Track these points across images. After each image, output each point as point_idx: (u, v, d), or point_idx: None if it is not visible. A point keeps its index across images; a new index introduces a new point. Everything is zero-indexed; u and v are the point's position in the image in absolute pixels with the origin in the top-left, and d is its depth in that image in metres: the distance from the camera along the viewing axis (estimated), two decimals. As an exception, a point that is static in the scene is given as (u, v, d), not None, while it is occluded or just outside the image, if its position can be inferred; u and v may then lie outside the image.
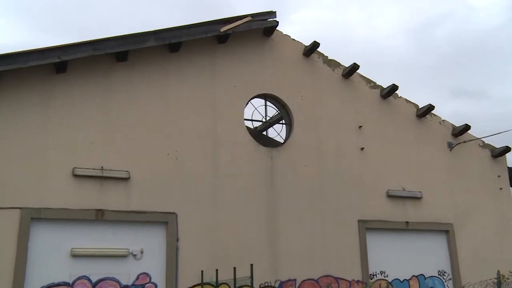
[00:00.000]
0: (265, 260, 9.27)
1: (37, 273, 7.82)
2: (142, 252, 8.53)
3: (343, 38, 32.77)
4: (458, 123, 11.95)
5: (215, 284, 8.29)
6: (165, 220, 8.73)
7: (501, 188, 11.95)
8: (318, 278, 9.62)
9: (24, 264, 7.72)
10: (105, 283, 8.19)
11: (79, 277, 8.05)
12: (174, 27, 9.16)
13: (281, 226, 9.60)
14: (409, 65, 32.55)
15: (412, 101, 11.81)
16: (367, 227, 10.35)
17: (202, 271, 8.64)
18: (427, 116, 11.79)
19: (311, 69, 10.84)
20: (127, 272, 8.36)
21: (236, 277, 7.80)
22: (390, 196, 10.78)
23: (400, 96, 11.69)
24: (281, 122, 10.71)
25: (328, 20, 34.16)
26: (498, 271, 8.38)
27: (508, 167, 12.23)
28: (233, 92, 9.88)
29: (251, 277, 7.47)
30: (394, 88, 11.32)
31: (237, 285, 7.87)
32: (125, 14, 32.48)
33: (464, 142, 11.85)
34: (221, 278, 8.29)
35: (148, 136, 8.93)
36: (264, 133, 11.31)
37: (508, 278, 8.34)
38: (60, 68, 8.51)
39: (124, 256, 8.41)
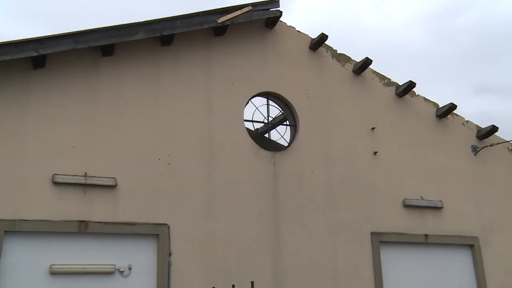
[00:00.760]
0: (268, 277, 9.24)
1: (11, 294, 7.72)
2: (130, 269, 8.48)
3: (351, 28, 32.75)
4: (484, 124, 12.01)
5: (211, 304, 8.22)
6: (156, 233, 8.67)
7: (532, 197, 11.91)
8: (327, 298, 9.61)
9: (-5, 283, 7.63)
10: (88, 303, 8.11)
11: (59, 297, 7.95)
12: (166, 18, 9.14)
13: (285, 239, 9.57)
14: (427, 59, 32.46)
15: (431, 99, 11.82)
16: (381, 240, 10.32)
17: (197, 289, 8.61)
18: (449, 116, 11.81)
19: (319, 64, 10.86)
20: (113, 291, 8.29)
21: (236, 296, 7.70)
22: (407, 206, 10.76)
23: (418, 94, 11.71)
24: (285, 123, 10.72)
25: (335, 9, 34.10)
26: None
27: (540, 173, 12.19)
28: (231, 90, 9.87)
29: (252, 296, 7.38)
30: (411, 85, 11.31)
31: (236, 305, 7.79)
32: (116, 8, 32.49)
33: (491, 145, 11.83)
34: (219, 298, 8.22)
35: (137, 139, 8.90)
36: (266, 135, 11.31)
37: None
38: (38, 63, 8.46)
39: (110, 273, 8.34)
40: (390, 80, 11.49)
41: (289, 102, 10.39)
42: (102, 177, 8.46)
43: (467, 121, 12.03)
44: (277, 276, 9.33)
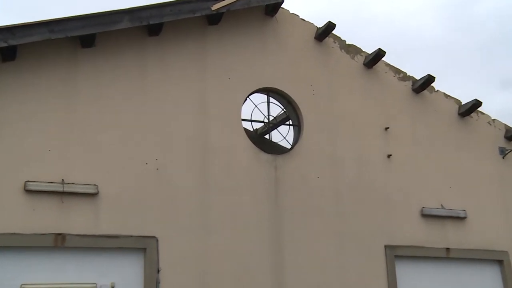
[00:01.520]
0: (269, 297, 9.23)
1: (-25, 319, 7.70)
2: (113, 287, 8.44)
3: (359, 16, 32.67)
4: (513, 122, 11.98)
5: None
6: (143, 246, 8.66)
7: None
8: (336, 319, 9.60)
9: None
10: (65, 327, 8.07)
11: (32, 321, 7.91)
12: (154, 5, 9.11)
13: (288, 253, 9.56)
14: (445, 50, 32.44)
15: (452, 95, 11.80)
16: (396, 254, 10.31)
17: (189, 310, 8.60)
18: (473, 114, 11.81)
19: (325, 56, 10.86)
20: (94, 312, 8.25)
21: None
22: (425, 215, 10.73)
23: (438, 90, 11.70)
24: (287, 123, 10.72)
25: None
26: None
27: None
28: (227, 86, 9.86)
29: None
30: (429, 79, 11.28)
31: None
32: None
33: (522, 147, 11.86)
34: (213, 320, 8.18)
35: (121, 141, 8.88)
36: (267, 136, 11.31)
37: None
38: (8, 55, 8.42)
39: (90, 293, 8.33)
40: (406, 74, 11.48)
41: (292, 99, 10.38)
42: (82, 184, 8.43)
43: (493, 119, 12.02)
44: (280, 295, 9.33)
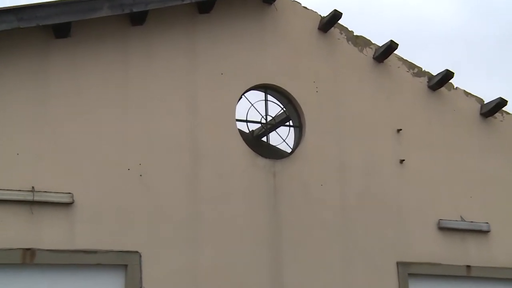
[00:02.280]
0: (266, 320, 9.24)
1: None
2: (90, 309, 8.42)
3: (369, 4, 32.63)
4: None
5: None
6: (124, 263, 8.63)
7: None
8: None
9: None
10: None
11: None
12: (137, -10, 9.13)
13: (288, 270, 9.56)
14: (467, 42, 32.37)
15: (473, 93, 11.79)
16: (410, 272, 10.30)
17: (175, 335, 8.59)
18: (497, 114, 11.80)
19: (331, 49, 10.86)
20: (68, 338, 8.22)
21: None
22: (442, 228, 10.72)
23: (457, 87, 11.69)
24: (287, 124, 10.72)
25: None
26: None
27: None
28: (220, 82, 9.85)
29: None
30: (447, 75, 11.25)
31: None
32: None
33: (553, 152, 11.81)
34: None
35: (100, 144, 8.86)
36: (264, 139, 11.26)
37: None
38: (-29, 46, 8.41)
39: (64, 315, 8.28)
40: (421, 69, 11.46)
41: (292, 97, 10.37)
42: (55, 193, 8.39)
43: (521, 120, 12.06)
44: (278, 318, 9.33)
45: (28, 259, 8.06)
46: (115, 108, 9.07)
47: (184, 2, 9.46)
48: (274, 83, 10.28)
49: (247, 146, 9.82)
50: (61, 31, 8.84)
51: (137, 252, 8.66)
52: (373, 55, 11.10)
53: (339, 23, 10.85)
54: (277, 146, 11.00)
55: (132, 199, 8.83)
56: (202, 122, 9.55)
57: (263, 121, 10.43)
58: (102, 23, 9.15)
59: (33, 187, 8.31)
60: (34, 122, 8.55)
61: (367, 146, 10.61)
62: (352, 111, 10.68)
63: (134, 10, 9.05)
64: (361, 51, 11.05)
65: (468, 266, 10.70)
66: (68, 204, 8.42)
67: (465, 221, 10.90)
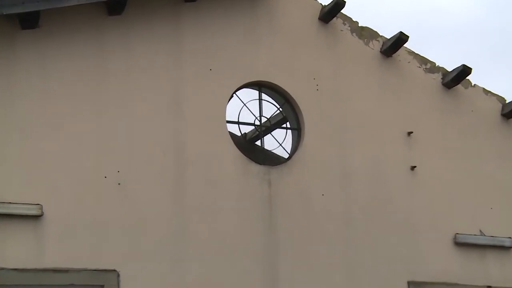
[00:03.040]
0: None
1: None
2: (61, 336, 8.40)
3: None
4: None
5: None
6: (100, 283, 8.61)
7: None
8: None
9: None
10: None
11: None
12: (115, -24, 9.13)
13: None
14: (486, 35, 32.44)
15: (494, 91, 11.79)
16: None
17: None
18: None
19: (333, 42, 10.87)
20: None
21: None
22: (459, 244, 10.74)
23: (475, 84, 11.69)
24: (284, 126, 10.76)
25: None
26: None
27: None
28: (208, 79, 9.86)
29: None
30: (464, 71, 11.24)
31: None
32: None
33: None
34: None
35: (73, 149, 8.83)
36: (258, 143, 11.34)
37: None
38: None
39: None
40: (435, 64, 11.46)
41: (290, 95, 10.37)
42: (21, 204, 8.35)
43: (546, 123, 12.07)
44: None
45: (-10, 279, 8.06)
46: (90, 108, 9.04)
47: (168, -12, 9.54)
48: (269, 80, 10.28)
49: (239, 151, 9.81)
50: (28, 21, 8.79)
51: (114, 270, 8.64)
52: (381, 49, 11.09)
53: (342, 13, 10.85)
54: (272, 151, 10.98)
55: (109, 211, 8.81)
56: (188, 124, 9.54)
57: (257, 122, 10.44)
58: (75, 12, 9.12)
59: (-4, 198, 8.32)
60: (-3, 124, 8.58)
61: (374, 151, 10.61)
62: (357, 112, 10.67)
63: (111, -2, 9.11)
64: (367, 44, 11.04)
65: (489, 287, 10.72)
66: (36, 217, 8.38)
67: (485, 235, 10.90)
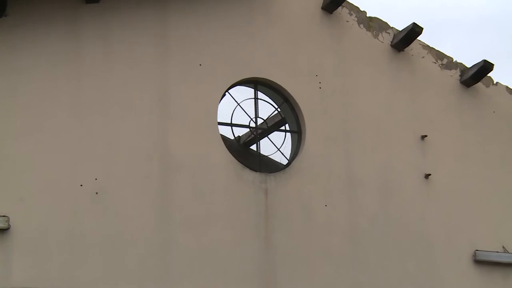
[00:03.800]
0: None
1: None
2: None
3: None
4: None
5: None
6: None
7: None
8: None
9: None
10: None
11: None
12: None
13: None
14: (504, 28, 32.56)
15: (519, 90, 11.79)
16: None
17: None
18: None
19: (337, 35, 10.90)
20: None
21: None
22: (479, 262, 10.76)
23: (497, 82, 11.73)
24: (283, 128, 10.77)
25: None
26: None
27: None
28: (198, 76, 9.87)
29: None
30: (486, 67, 11.26)
31: None
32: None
33: None
34: None
35: (44, 154, 8.81)
36: (254, 147, 11.27)
37: None
38: None
39: None
40: (452, 59, 11.49)
41: (289, 94, 10.39)
42: (-14, 215, 8.36)
43: None
44: None
45: None
46: (64, 108, 9.02)
47: (152, -26, 9.54)
48: (266, 77, 10.29)
49: (232, 156, 9.80)
50: (-5, 9, 8.82)
51: (92, 291, 8.63)
52: (391, 42, 11.12)
53: (348, 1, 10.90)
54: (269, 156, 10.96)
55: (86, 223, 8.77)
56: (175, 126, 9.53)
57: (252, 124, 10.42)
58: (47, 0, 9.14)
59: (-43, 209, 8.30)
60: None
61: (384, 157, 10.62)
62: (365, 113, 10.68)
63: (88, -18, 9.14)
64: (376, 36, 11.07)
65: (513, 310, 10.75)
66: (2, 231, 8.35)
67: (508, 252, 10.92)
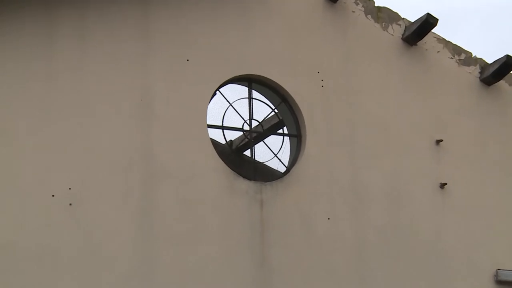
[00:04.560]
0: None
1: None
2: None
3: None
4: None
5: None
6: None
7: None
8: None
9: None
10: None
11: None
12: None
13: None
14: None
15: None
16: None
17: None
18: None
19: (342, 27, 10.95)
20: None
21: None
22: (502, 282, 10.80)
23: None
24: (280, 132, 10.80)
25: None
26: None
27: None
28: (186, 73, 9.89)
29: None
30: (508, 63, 11.27)
31: None
32: None
33: None
34: None
35: (12, 160, 8.81)
36: (247, 153, 11.32)
37: None
38: None
39: None
40: (471, 54, 11.52)
41: (288, 93, 10.41)
42: None
43: None
44: None
45: None
46: (35, 109, 9.02)
47: (135, -40, 9.56)
48: (262, 74, 10.32)
49: (223, 163, 9.81)
50: (-43, -1, 8.87)
51: (67, 315, 8.65)
52: (403, 35, 11.14)
53: (354, -11, 10.96)
54: (265, 163, 10.99)
55: (58, 237, 8.75)
56: (159, 129, 9.54)
57: (246, 127, 10.43)
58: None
59: None
60: None
61: (393, 164, 10.65)
62: (372, 114, 10.72)
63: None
64: (385, 29, 11.10)
65: (538, 337, 10.76)
66: (-34, 246, 8.38)
67: (533, 271, 10.95)
